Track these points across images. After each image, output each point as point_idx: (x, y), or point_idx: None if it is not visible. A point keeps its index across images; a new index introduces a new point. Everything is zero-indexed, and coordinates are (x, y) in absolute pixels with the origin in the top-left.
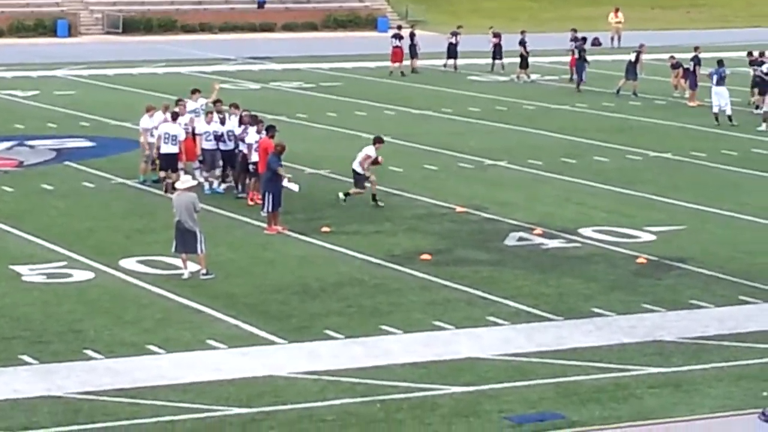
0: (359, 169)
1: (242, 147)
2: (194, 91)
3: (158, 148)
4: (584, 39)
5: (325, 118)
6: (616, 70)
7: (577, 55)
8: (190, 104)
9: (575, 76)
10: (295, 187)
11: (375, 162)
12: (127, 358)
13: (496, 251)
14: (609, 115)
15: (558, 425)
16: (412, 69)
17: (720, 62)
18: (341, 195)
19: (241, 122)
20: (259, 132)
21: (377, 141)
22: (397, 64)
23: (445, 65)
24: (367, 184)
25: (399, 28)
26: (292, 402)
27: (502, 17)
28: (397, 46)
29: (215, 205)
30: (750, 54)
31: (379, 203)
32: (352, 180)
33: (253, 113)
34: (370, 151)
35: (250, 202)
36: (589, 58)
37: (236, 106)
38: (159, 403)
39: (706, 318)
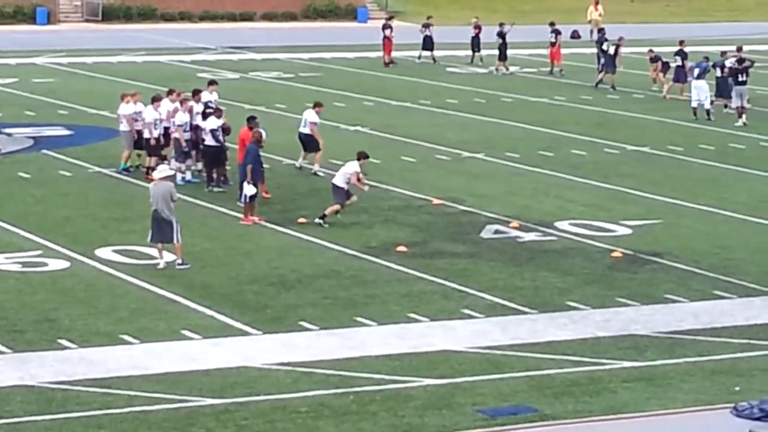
0: (340, 184)
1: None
2: (211, 83)
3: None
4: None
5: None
6: (595, 64)
7: (613, 51)
8: (205, 95)
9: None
10: (249, 190)
11: (358, 179)
12: (101, 348)
13: (472, 244)
14: (587, 109)
15: (531, 418)
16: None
17: (706, 58)
18: (318, 221)
19: (204, 116)
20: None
21: (361, 157)
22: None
23: (419, 57)
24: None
25: (390, 18)
26: (266, 393)
27: (480, 9)
28: (387, 37)
29: (192, 195)
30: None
31: (324, 224)
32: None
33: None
34: (355, 166)
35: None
36: (565, 51)
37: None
38: (132, 393)
39: (681, 312)
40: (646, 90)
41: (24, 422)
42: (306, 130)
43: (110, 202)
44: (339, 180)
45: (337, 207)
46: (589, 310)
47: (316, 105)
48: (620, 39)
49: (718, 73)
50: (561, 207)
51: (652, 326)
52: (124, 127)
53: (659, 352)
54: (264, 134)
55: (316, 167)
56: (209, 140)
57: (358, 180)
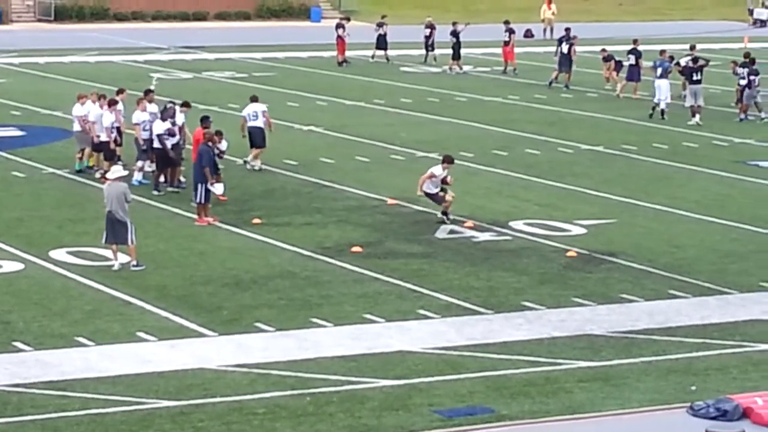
0: (428, 190)
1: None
2: (184, 104)
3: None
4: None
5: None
6: (549, 62)
7: (566, 50)
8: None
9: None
10: (218, 189)
11: (444, 181)
12: (56, 350)
13: (427, 244)
14: (541, 108)
15: (487, 419)
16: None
17: (671, 57)
18: (440, 215)
19: (164, 115)
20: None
21: (445, 161)
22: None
23: (372, 56)
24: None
25: (348, 19)
26: (222, 395)
27: (434, 8)
28: (340, 37)
29: (146, 196)
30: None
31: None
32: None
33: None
34: (435, 170)
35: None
36: (519, 50)
37: (187, 105)
38: (88, 396)
39: (636, 312)
40: (600, 89)
41: None
42: (259, 123)
43: (64, 203)
44: (420, 190)
45: (446, 203)
46: (544, 310)
47: (256, 98)
48: (574, 38)
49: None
50: (515, 207)
51: (607, 326)
52: (77, 127)
53: (615, 351)
54: (226, 145)
55: (257, 163)
56: (156, 143)
57: (443, 182)
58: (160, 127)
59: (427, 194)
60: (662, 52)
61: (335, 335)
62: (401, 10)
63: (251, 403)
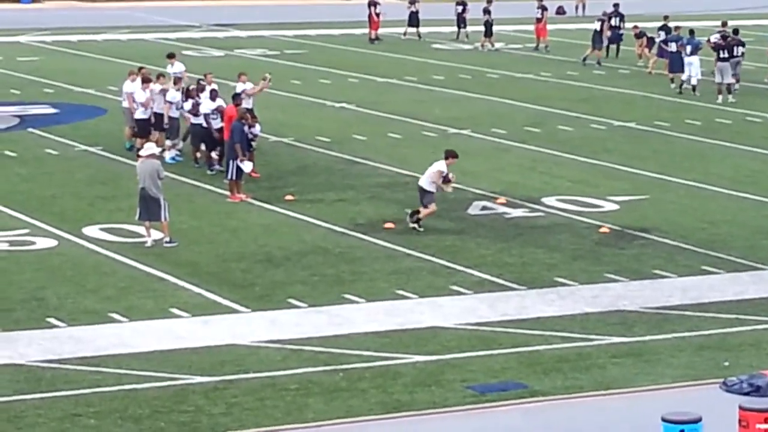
0: (427, 186)
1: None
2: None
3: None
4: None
5: (289, 86)
6: (580, 39)
7: (599, 27)
8: (239, 86)
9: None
10: (247, 167)
11: (446, 180)
12: (89, 326)
13: (459, 220)
14: (573, 84)
15: (521, 395)
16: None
17: (691, 32)
18: (407, 214)
19: (188, 96)
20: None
21: (449, 155)
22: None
23: (405, 33)
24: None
25: None
26: (255, 371)
27: None
28: (377, 13)
29: (179, 173)
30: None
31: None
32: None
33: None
34: (441, 166)
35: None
36: (551, 27)
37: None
38: (121, 372)
39: (669, 288)
40: (632, 66)
41: (13, 401)
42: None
43: (96, 181)
44: (424, 182)
45: (429, 211)
46: (577, 286)
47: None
48: (605, 14)
49: (673, 47)
50: (548, 183)
51: (640, 302)
52: (126, 104)
53: (648, 327)
54: (259, 128)
55: None
56: (195, 121)
57: (445, 180)
58: (208, 106)
59: (423, 190)
60: (677, 28)
61: (368, 311)
62: None
63: (284, 379)
